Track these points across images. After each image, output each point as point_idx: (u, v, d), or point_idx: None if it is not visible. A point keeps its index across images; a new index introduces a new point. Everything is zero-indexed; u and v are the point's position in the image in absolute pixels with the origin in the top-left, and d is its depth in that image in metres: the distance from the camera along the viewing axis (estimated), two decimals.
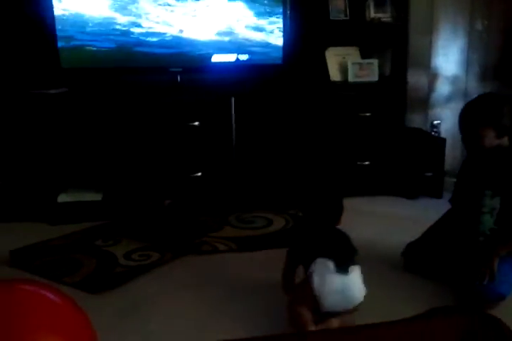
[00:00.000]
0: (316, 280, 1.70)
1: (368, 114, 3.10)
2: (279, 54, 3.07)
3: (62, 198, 2.81)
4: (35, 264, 2.29)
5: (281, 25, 3.04)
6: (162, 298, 2.04)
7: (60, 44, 2.80)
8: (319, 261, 1.72)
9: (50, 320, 1.33)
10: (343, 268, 1.72)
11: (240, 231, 2.68)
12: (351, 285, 1.73)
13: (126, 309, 1.95)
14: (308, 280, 1.72)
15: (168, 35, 2.95)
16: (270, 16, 3.04)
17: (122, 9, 2.86)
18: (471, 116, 1.95)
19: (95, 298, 2.02)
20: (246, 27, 3.03)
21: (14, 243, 2.46)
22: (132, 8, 2.87)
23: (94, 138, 2.83)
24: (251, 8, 3.00)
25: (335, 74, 3.23)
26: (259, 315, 1.87)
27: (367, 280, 2.08)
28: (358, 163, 3.12)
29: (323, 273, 1.70)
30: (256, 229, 2.71)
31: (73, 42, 2.82)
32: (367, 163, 3.12)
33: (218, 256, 2.40)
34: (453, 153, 3.30)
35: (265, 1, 3.02)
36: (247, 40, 3.05)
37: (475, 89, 3.45)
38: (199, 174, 2.93)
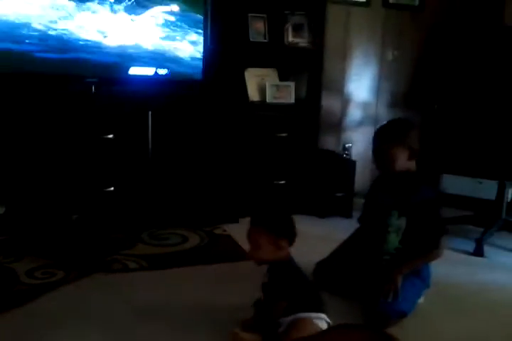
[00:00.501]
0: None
1: (284, 135, 3.18)
2: (199, 70, 3.09)
3: None
4: None
5: (201, 42, 3.07)
6: (66, 318, 1.93)
7: None
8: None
9: None
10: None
11: (152, 249, 2.62)
12: None
13: (27, 331, 1.83)
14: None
15: (87, 41, 2.86)
16: (191, 32, 3.06)
17: (41, 9, 2.74)
18: (382, 136, 2.07)
19: None
20: (166, 40, 3.02)
21: None
22: (52, 9, 2.76)
23: None
24: (173, 22, 3.00)
25: (254, 94, 3.30)
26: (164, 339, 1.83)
27: None
28: (275, 181, 3.18)
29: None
30: (170, 246, 2.67)
31: None
32: (283, 182, 3.20)
33: (128, 275, 2.33)
34: (363, 175, 3.47)
35: (187, 18, 3.03)
36: (166, 54, 3.03)
37: (385, 114, 3.67)
38: (112, 188, 2.84)
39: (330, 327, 1.75)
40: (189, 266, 2.46)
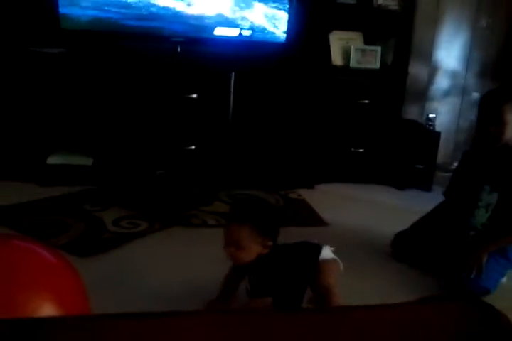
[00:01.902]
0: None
1: (366, 101, 3.09)
2: (283, 32, 3.03)
3: (52, 160, 2.76)
4: (22, 223, 2.26)
5: (287, 3, 3.00)
6: (150, 265, 2.03)
7: (61, 5, 2.73)
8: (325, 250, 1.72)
9: (43, 278, 1.32)
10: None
11: (229, 207, 2.67)
12: None
13: (114, 274, 1.94)
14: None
15: (174, 8, 2.88)
16: None
17: None
18: (496, 100, 1.92)
19: (82, 261, 1.99)
20: (252, 3, 2.98)
21: (3, 200, 2.43)
22: None
23: (89, 101, 2.78)
24: None
25: (337, 58, 3.21)
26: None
27: (353, 268, 2.12)
28: (352, 149, 3.13)
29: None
30: None
31: (74, 7, 2.75)
32: (361, 150, 3.14)
33: (207, 230, 2.40)
34: (446, 148, 3.33)
35: None
36: (252, 15, 3.00)
37: (473, 85, 3.47)
38: (193, 147, 2.90)
39: (417, 299, 1.71)
40: None
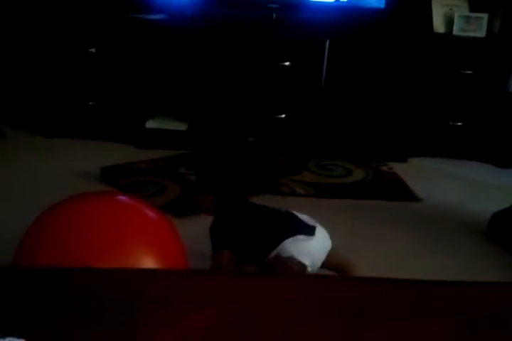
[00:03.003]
0: (302, 258, 1.55)
1: (469, 72, 2.91)
2: None
3: (150, 124, 2.88)
4: (123, 183, 2.39)
5: None
6: None
7: None
8: (287, 242, 1.56)
9: (143, 232, 1.40)
10: (310, 231, 1.60)
11: (317, 177, 2.66)
12: (322, 238, 1.63)
13: (205, 235, 2.01)
14: (288, 264, 1.53)
15: None
16: None
17: None
18: None
19: (177, 221, 2.08)
20: None
21: (104, 161, 2.57)
22: None
23: (186, 69, 2.84)
24: None
25: (439, 26, 3.04)
26: None
27: (446, 247, 2.06)
28: (451, 122, 2.97)
29: (301, 249, 1.56)
30: (335, 178, 2.69)
31: None
32: (460, 123, 2.97)
33: (296, 199, 2.41)
34: None
35: None
36: None
37: None
38: (283, 116, 2.89)
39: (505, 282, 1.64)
40: (352, 199, 2.47)
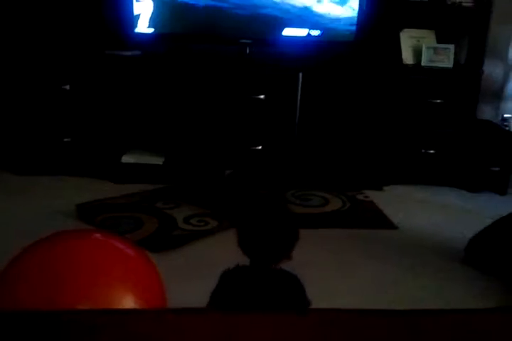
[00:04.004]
0: None
1: (438, 101, 3.00)
2: (352, 31, 2.99)
3: (126, 159, 2.87)
4: (99, 219, 2.36)
5: (357, 1, 2.96)
6: (219, 262, 2.05)
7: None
8: None
9: (122, 270, 1.38)
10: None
11: (295, 208, 2.68)
12: None
13: (186, 269, 2.00)
14: None
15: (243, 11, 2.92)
16: None
17: None
18: None
19: (155, 256, 2.05)
20: (320, 2, 2.97)
21: (80, 197, 2.55)
22: None
23: (161, 102, 2.87)
24: None
25: (408, 57, 3.14)
26: None
27: (423, 273, 2.07)
28: (423, 150, 3.04)
29: None
30: (312, 207, 2.71)
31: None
32: (432, 151, 3.04)
33: None
34: None
35: None
36: (319, 15, 2.98)
37: None
38: (259, 147, 2.92)
39: (495, 308, 1.64)
40: (330, 228, 2.48)
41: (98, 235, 1.43)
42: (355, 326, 0.88)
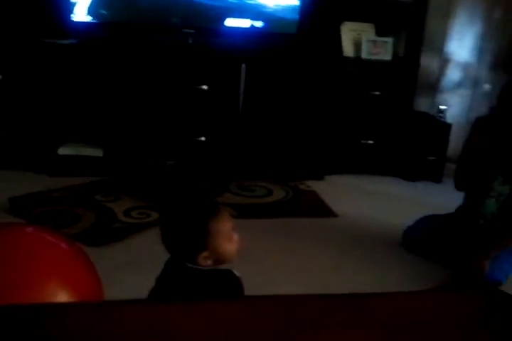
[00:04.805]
0: None
1: (377, 93, 3.07)
2: (294, 23, 3.01)
3: (63, 151, 2.78)
4: (33, 213, 2.28)
5: None
6: (160, 255, 2.03)
7: None
8: None
9: (54, 264, 1.34)
10: None
11: (239, 198, 2.68)
12: None
13: (125, 263, 1.96)
14: None
15: None
16: None
17: None
18: None
19: (94, 250, 2.00)
20: None
21: (12, 191, 2.45)
22: None
23: (99, 93, 2.79)
24: None
25: (348, 50, 3.19)
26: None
27: (363, 260, 2.12)
28: (362, 141, 3.11)
29: None
30: (256, 198, 2.72)
31: None
32: (371, 142, 3.12)
33: None
34: (456, 140, 3.30)
35: None
36: (263, 6, 2.99)
37: (485, 77, 3.43)
38: (203, 138, 2.90)
39: (434, 287, 1.71)
40: (274, 218, 2.51)
41: (28, 229, 1.38)
42: (290, 313, 0.89)
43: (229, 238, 1.26)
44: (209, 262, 1.23)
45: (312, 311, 0.91)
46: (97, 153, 2.81)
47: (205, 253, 1.22)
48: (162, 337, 0.81)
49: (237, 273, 1.27)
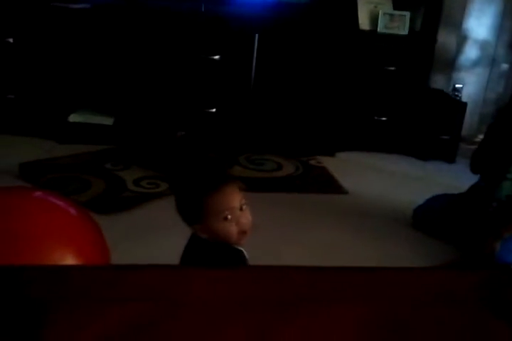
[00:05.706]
0: None
1: (392, 68, 3.01)
2: None
3: (74, 118, 2.75)
4: (43, 180, 2.27)
5: None
6: (170, 225, 2.02)
7: None
8: None
9: (62, 228, 1.33)
10: None
11: (248, 172, 2.66)
12: None
13: (134, 232, 1.96)
14: None
15: None
16: None
17: None
18: None
19: (103, 218, 2.00)
20: None
21: (23, 156, 2.44)
22: None
23: (111, 60, 2.74)
24: None
25: (364, 23, 3.12)
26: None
27: (372, 237, 2.12)
28: (375, 117, 3.06)
29: None
30: (265, 172, 2.70)
31: None
32: (384, 118, 3.07)
33: None
34: (471, 120, 3.26)
35: None
36: None
37: (503, 56, 3.36)
38: (213, 110, 2.87)
39: (431, 267, 1.72)
40: (283, 193, 2.49)
41: (37, 193, 1.37)
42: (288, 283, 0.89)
43: (223, 217, 1.18)
44: (204, 236, 1.22)
45: (320, 283, 0.90)
46: (108, 121, 2.79)
47: (197, 227, 1.22)
48: (166, 300, 0.80)
49: (246, 255, 1.24)
